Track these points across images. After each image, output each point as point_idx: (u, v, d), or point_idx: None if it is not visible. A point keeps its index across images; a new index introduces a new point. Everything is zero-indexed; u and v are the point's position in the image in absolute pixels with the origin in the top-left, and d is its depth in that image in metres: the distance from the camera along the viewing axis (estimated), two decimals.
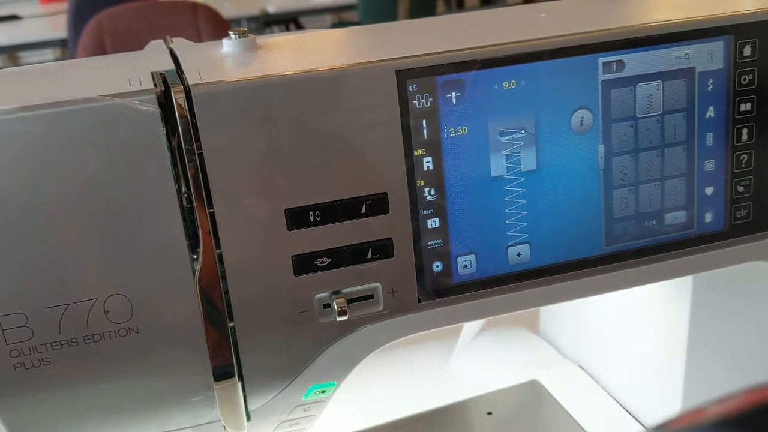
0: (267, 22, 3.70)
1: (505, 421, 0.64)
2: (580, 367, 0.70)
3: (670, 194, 0.47)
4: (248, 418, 0.44)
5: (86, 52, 2.08)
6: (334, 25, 3.98)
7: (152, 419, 0.43)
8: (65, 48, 2.96)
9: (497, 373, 0.69)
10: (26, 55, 3.71)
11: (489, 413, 0.64)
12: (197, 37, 2.08)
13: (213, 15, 2.17)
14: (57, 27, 3.02)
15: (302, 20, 3.91)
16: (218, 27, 2.15)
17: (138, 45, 0.52)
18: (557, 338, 0.73)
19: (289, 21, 3.85)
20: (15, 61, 3.68)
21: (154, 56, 0.45)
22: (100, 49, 2.04)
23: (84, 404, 0.41)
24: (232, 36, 0.44)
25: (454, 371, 0.71)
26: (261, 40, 0.46)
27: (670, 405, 0.59)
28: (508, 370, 0.70)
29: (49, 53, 3.69)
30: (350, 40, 0.49)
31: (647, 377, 0.62)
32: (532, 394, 0.67)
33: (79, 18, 2.40)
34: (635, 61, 0.44)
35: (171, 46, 0.48)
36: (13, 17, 3.42)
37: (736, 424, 0.21)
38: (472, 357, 0.72)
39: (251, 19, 3.53)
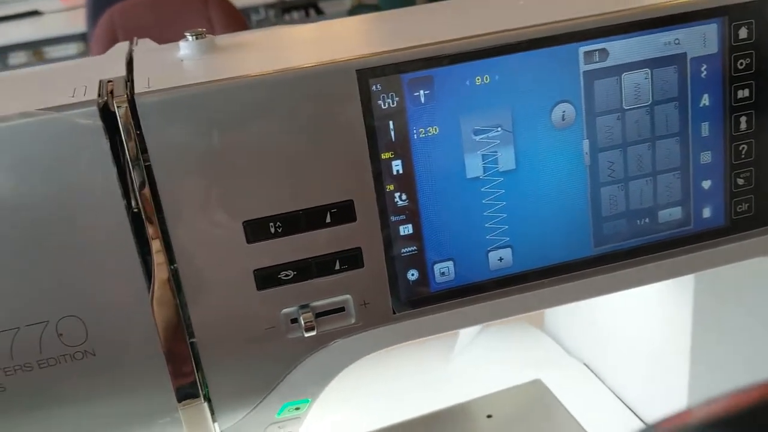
0: (285, 9, 3.67)
1: (505, 424, 0.61)
2: (585, 365, 0.67)
3: (664, 190, 0.44)
4: None
5: (100, 45, 2.08)
6: (354, 8, 3.94)
7: None
8: (87, 42, 2.98)
9: (499, 373, 0.67)
10: (49, 50, 3.74)
11: (489, 416, 0.62)
12: (209, 28, 2.06)
13: (225, 5, 2.14)
14: (78, 22, 3.03)
15: (321, 5, 3.87)
16: (230, 17, 2.13)
17: (149, 38, 0.50)
18: (562, 334, 0.70)
19: (308, 6, 3.82)
20: (40, 57, 3.71)
21: (110, 62, 0.43)
22: (112, 43, 2.04)
23: (44, 430, 0.39)
24: (189, 37, 0.42)
25: (454, 371, 0.68)
26: (222, 40, 0.44)
27: (676, 405, 0.56)
28: (510, 370, 0.67)
29: (71, 48, 3.71)
30: (313, 37, 0.46)
31: (652, 376, 0.59)
32: (535, 394, 0.64)
33: (96, 12, 2.40)
34: (619, 49, 0.41)
35: (134, 47, 0.46)
36: (34, 13, 3.44)
37: (723, 426, 0.21)
38: (473, 356, 0.70)
39: (269, 6, 3.50)
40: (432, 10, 0.46)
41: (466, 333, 0.70)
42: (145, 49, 0.46)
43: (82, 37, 3.09)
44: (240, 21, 2.21)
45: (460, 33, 0.39)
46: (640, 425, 0.60)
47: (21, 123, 0.34)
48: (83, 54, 3.54)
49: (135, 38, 0.49)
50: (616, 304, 0.61)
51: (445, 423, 0.62)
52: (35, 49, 3.59)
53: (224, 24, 2.06)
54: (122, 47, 0.47)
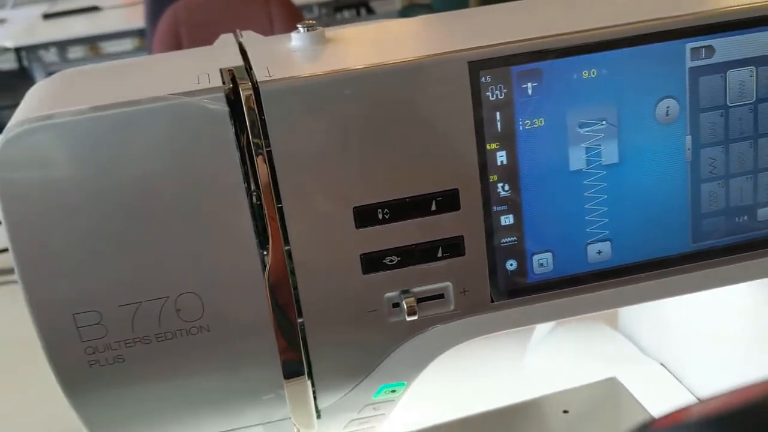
0: (338, 7, 3.70)
1: (581, 420, 0.61)
2: (662, 364, 0.66)
3: (764, 188, 0.44)
4: (318, 416, 0.44)
5: (162, 42, 2.13)
6: (405, 8, 3.95)
7: (224, 416, 0.43)
8: (143, 38, 3.04)
9: (573, 370, 0.67)
10: (106, 46, 3.83)
11: (565, 411, 0.62)
12: (269, 24, 2.09)
13: (285, 2, 2.18)
14: (135, 17, 3.10)
15: (372, 4, 3.89)
16: (290, 14, 2.16)
17: (211, 34, 0.52)
18: (637, 334, 0.70)
19: (360, 5, 3.84)
20: (96, 51, 3.80)
21: (224, 52, 0.44)
22: (175, 39, 2.09)
23: (158, 401, 0.41)
24: (301, 29, 0.43)
25: (528, 367, 0.69)
26: (329, 32, 0.45)
27: None
28: (585, 367, 0.67)
29: (128, 43, 3.80)
30: (420, 30, 0.47)
31: (733, 377, 0.58)
32: (611, 392, 0.64)
33: (155, 8, 2.46)
34: (725, 46, 0.41)
35: (240, 40, 0.48)
36: (93, 8, 3.53)
37: (717, 424, 0.22)
38: (547, 353, 0.70)
39: (322, 5, 3.54)
40: (535, 7, 0.46)
41: (541, 329, 0.71)
42: (253, 40, 0.47)
43: (138, 33, 3.16)
44: (298, 18, 2.24)
45: (569, 27, 0.40)
46: None
47: (152, 107, 0.36)
48: (140, 49, 3.62)
49: (238, 30, 0.51)
50: (693, 304, 0.61)
51: (520, 417, 0.63)
52: (92, 44, 3.69)
53: (284, 20, 2.09)
54: (228, 38, 0.49)
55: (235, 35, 0.50)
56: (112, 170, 0.36)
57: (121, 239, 0.37)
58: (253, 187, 0.38)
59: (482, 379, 0.68)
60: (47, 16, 3.45)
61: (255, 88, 0.37)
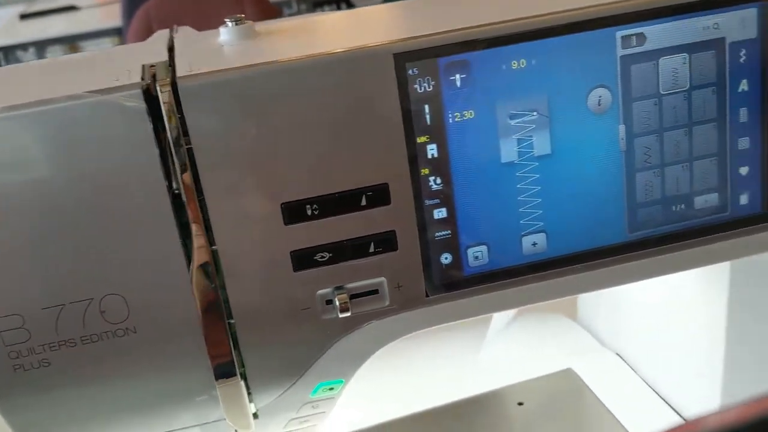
0: (317, 3, 3.68)
1: (536, 412, 0.61)
2: (618, 355, 0.66)
3: (700, 176, 0.43)
4: (255, 416, 0.43)
5: (136, 39, 2.11)
6: (386, 2, 3.94)
7: (158, 418, 0.42)
8: (122, 37, 3.01)
9: (531, 362, 0.67)
10: (86, 45, 3.80)
11: (520, 404, 0.62)
12: None
13: None
14: (114, 16, 3.07)
15: None
16: (264, 10, 2.14)
17: None
18: (595, 325, 0.70)
19: (340, 0, 3.83)
20: (75, 50, 3.77)
21: (152, 48, 0.43)
22: (149, 36, 2.06)
23: (87, 404, 0.40)
24: (229, 23, 0.43)
25: (485, 360, 0.69)
26: (261, 26, 0.45)
27: (709, 395, 0.55)
28: (542, 359, 0.67)
29: (106, 42, 3.76)
30: (351, 23, 0.47)
31: (686, 367, 0.58)
32: (566, 383, 0.64)
33: (131, 7, 2.43)
34: (657, 34, 0.41)
35: (174, 35, 0.47)
36: (71, 8, 3.50)
37: None
38: (504, 345, 0.70)
39: (300, 1, 3.52)
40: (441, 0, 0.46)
41: (498, 322, 0.70)
42: (185, 36, 0.46)
43: (117, 32, 3.13)
44: (274, 15, 2.22)
45: (497, 17, 0.39)
46: (675, 416, 0.59)
47: (68, 105, 0.35)
48: None
49: (174, 26, 0.50)
50: (650, 295, 0.61)
51: (476, 410, 0.62)
52: (71, 43, 3.65)
53: (257, 17, 2.08)
54: (163, 34, 0.48)
55: (171, 31, 0.49)
56: (28, 171, 0.36)
57: (40, 241, 0.37)
58: (175, 185, 0.37)
59: (439, 373, 0.67)
60: (24, 17, 3.41)
61: (174, 83, 0.36)
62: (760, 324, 0.53)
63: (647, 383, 0.63)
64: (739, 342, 0.53)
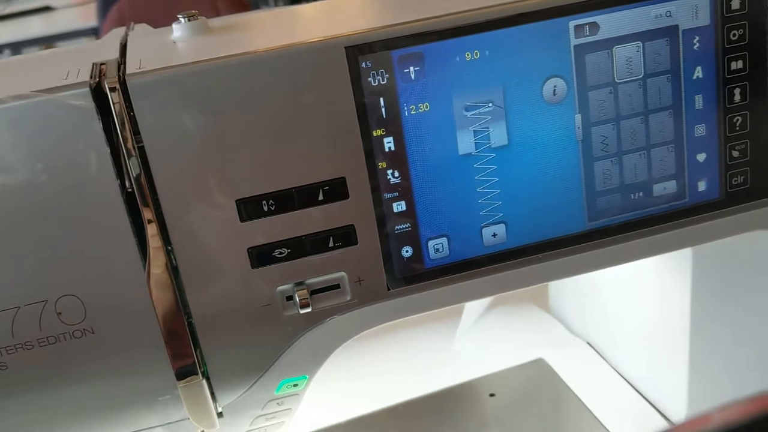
0: (295, 0, 3.66)
1: (508, 403, 0.61)
2: (588, 344, 0.67)
3: (658, 163, 0.43)
4: (221, 415, 0.43)
5: None
6: None
7: (121, 420, 0.42)
8: (98, 36, 2.99)
9: (503, 353, 0.67)
10: (62, 45, 3.76)
11: (492, 395, 0.62)
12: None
13: None
14: (89, 16, 3.04)
15: None
16: (239, 7, 2.13)
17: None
18: (566, 314, 0.70)
19: None
20: None
21: (105, 46, 0.43)
22: None
23: (47, 408, 0.40)
24: (182, 19, 0.42)
25: (458, 352, 0.69)
26: (215, 21, 0.44)
27: (678, 383, 0.56)
28: (514, 349, 0.67)
29: (84, 42, 3.74)
30: (305, 16, 0.46)
31: (654, 353, 0.59)
32: (538, 373, 0.64)
33: (105, 6, 2.41)
34: (610, 23, 0.41)
35: (129, 32, 0.47)
36: (46, 8, 3.46)
37: None
38: (477, 337, 0.70)
39: None
40: None
41: (469, 314, 0.70)
42: (140, 33, 0.46)
43: (93, 32, 3.10)
44: (248, 10, 2.21)
45: (450, 9, 0.39)
46: (644, 403, 0.60)
47: (15, 105, 0.35)
48: None
49: (132, 23, 0.50)
50: (619, 284, 0.61)
51: (448, 402, 0.62)
52: (47, 44, 3.62)
53: (232, 13, 2.06)
54: (119, 32, 0.48)
55: (127, 28, 0.49)
56: None
57: None
58: (128, 184, 0.37)
59: (411, 367, 0.67)
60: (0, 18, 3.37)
61: (122, 81, 0.36)
62: (724, 308, 0.53)
63: (618, 372, 0.63)
64: (702, 327, 0.53)
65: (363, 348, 0.43)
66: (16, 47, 3.22)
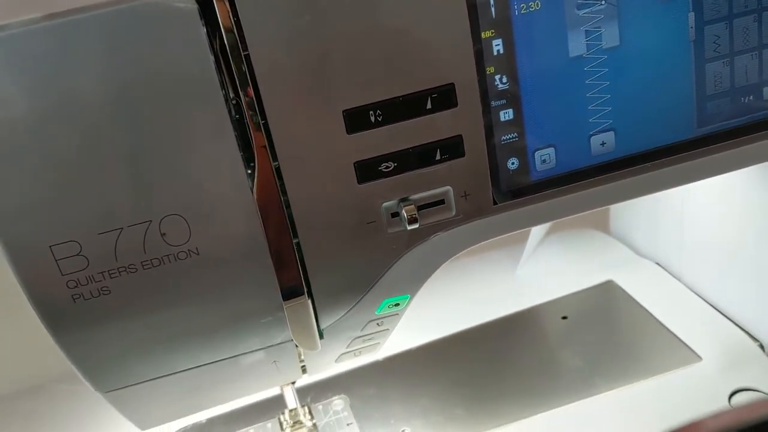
0: None
1: (582, 324, 0.61)
2: (658, 264, 0.66)
3: None
4: (321, 335, 0.42)
5: None
6: None
7: (222, 343, 0.41)
8: None
9: (568, 277, 0.66)
10: None
11: (564, 317, 0.61)
12: None
13: None
14: None
15: None
16: None
17: None
18: (630, 237, 0.69)
19: None
20: None
21: None
22: None
23: (149, 332, 0.39)
24: None
25: (522, 279, 0.68)
26: None
27: (759, 298, 0.55)
28: (580, 273, 0.66)
29: None
30: None
31: (731, 271, 0.58)
32: (609, 294, 0.63)
33: None
34: None
35: None
36: None
37: None
38: (540, 263, 0.69)
39: None
40: None
41: (530, 242, 0.69)
42: None
43: None
44: None
45: None
46: (721, 317, 0.59)
47: (114, 10, 0.32)
48: None
49: None
50: (694, 202, 0.60)
51: (520, 325, 0.62)
52: None
53: None
54: None
55: None
56: (71, 87, 0.33)
57: (90, 161, 0.34)
58: (232, 95, 0.35)
59: (476, 295, 0.66)
60: None
61: None
62: None
63: (692, 290, 0.62)
64: None
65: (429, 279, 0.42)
66: None
